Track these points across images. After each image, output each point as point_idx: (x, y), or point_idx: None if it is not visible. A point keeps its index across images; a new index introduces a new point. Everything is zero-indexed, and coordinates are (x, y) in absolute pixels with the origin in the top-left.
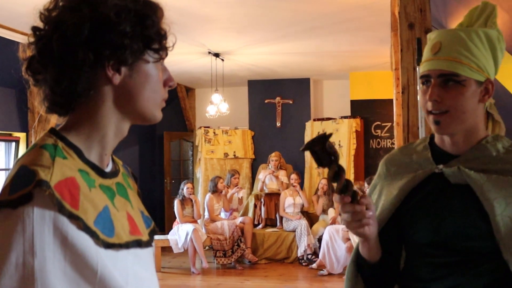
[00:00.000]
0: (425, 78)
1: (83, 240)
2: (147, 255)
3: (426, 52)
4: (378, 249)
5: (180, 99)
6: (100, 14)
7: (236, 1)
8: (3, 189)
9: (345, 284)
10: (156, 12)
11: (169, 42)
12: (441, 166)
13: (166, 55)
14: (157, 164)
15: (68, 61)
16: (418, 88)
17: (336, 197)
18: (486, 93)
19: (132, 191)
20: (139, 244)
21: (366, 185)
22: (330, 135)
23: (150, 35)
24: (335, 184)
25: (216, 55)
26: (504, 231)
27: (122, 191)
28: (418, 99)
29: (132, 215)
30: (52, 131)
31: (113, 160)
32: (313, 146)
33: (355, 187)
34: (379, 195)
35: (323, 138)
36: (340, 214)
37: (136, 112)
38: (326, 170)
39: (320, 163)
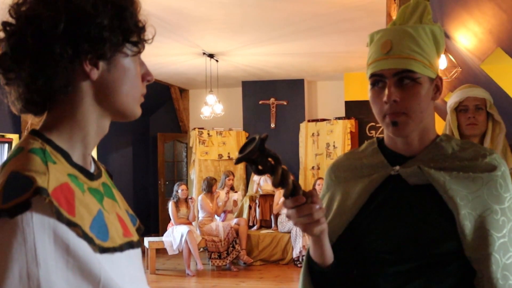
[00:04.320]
0: (378, 78)
1: (84, 247)
2: (137, 255)
3: (376, 52)
4: (331, 251)
5: (174, 100)
6: (76, 6)
7: (231, 2)
8: None
9: None
10: (133, 3)
11: (148, 34)
12: (397, 168)
13: (144, 48)
14: (151, 165)
15: (45, 56)
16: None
17: (288, 202)
18: (437, 90)
19: (116, 190)
20: (131, 245)
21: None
22: (266, 137)
23: (129, 28)
24: (282, 190)
25: (211, 56)
26: (469, 228)
27: (108, 191)
28: (371, 102)
29: (121, 215)
30: (35, 133)
31: (93, 159)
32: (250, 155)
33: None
34: (331, 202)
35: (260, 143)
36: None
37: (116, 108)
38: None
39: (261, 171)
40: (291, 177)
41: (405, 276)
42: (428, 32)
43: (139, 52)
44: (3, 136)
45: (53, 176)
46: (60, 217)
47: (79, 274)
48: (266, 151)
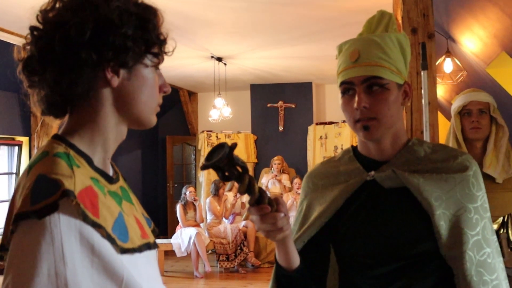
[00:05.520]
0: (348, 86)
1: (107, 248)
2: (154, 256)
3: (344, 61)
4: (296, 254)
5: (182, 103)
6: (103, 15)
7: (240, 6)
8: (23, 199)
9: None
10: (156, 16)
11: (169, 47)
12: (372, 173)
13: (163, 59)
14: (160, 168)
15: (70, 61)
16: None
17: (252, 210)
18: (406, 96)
19: (132, 194)
20: (149, 247)
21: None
22: (235, 146)
23: (151, 39)
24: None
25: (219, 59)
26: (444, 227)
27: (126, 195)
28: (342, 110)
29: (138, 218)
30: (58, 138)
31: (111, 163)
32: (218, 163)
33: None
34: (308, 209)
35: (229, 152)
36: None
37: (133, 116)
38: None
39: (227, 177)
40: (258, 185)
41: (386, 279)
42: (394, 40)
43: (159, 63)
44: (13, 138)
45: (79, 179)
46: (85, 219)
47: (103, 273)
48: (235, 159)
